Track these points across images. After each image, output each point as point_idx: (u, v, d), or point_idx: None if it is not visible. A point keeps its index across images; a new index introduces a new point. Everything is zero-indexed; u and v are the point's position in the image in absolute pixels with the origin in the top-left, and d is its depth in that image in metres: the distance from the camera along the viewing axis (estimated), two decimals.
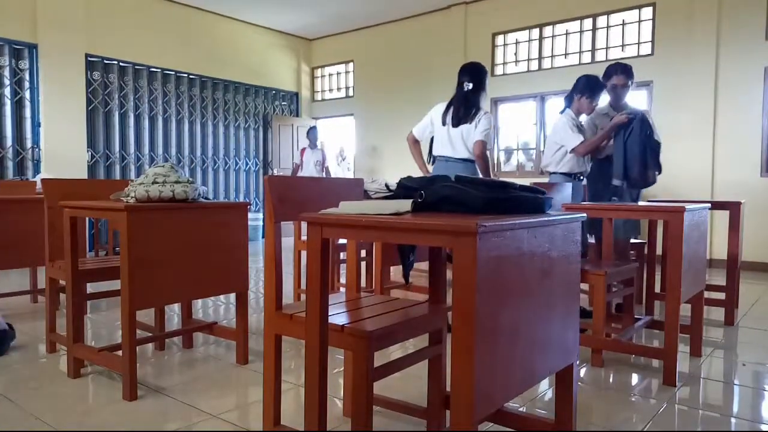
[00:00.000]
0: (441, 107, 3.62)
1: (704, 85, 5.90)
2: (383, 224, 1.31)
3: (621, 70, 3.59)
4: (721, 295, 3.56)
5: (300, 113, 9.37)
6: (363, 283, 3.72)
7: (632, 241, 3.70)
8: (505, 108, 7.57)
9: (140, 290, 2.14)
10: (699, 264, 2.67)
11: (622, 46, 6.52)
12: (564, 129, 3.56)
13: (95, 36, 6.71)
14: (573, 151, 3.52)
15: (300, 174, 7.69)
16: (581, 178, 3.66)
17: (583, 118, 3.69)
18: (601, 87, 3.62)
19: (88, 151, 6.69)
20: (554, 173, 3.65)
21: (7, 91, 6.07)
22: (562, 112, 3.69)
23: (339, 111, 9.31)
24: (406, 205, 1.38)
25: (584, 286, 3.16)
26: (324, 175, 7.71)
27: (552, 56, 7.06)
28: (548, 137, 3.80)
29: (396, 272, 3.80)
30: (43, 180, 2.76)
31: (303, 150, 7.94)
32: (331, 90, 9.48)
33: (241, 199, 8.40)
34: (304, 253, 3.70)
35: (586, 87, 3.59)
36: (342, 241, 3.63)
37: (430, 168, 3.79)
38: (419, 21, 8.10)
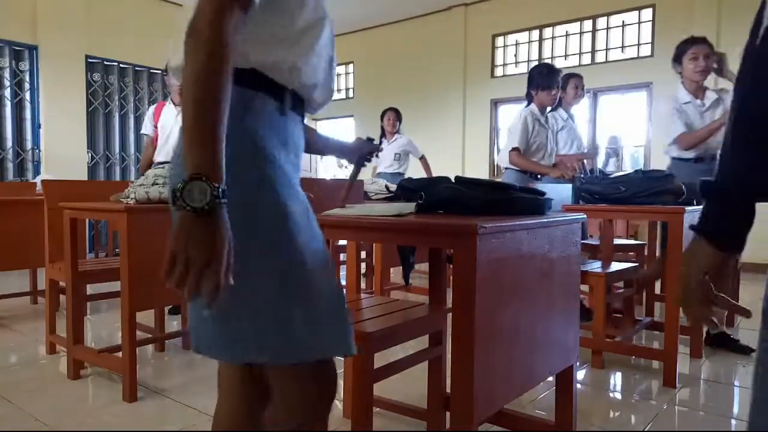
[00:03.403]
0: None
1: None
2: (383, 225, 1.31)
3: (700, 40, 3.00)
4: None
5: None
6: (363, 285, 3.72)
7: (632, 242, 3.69)
8: (505, 109, 7.56)
9: (140, 291, 2.14)
10: None
11: (622, 47, 6.52)
12: (515, 128, 3.28)
13: (95, 37, 6.70)
14: (512, 151, 3.25)
15: (158, 148, 3.75)
16: (539, 177, 3.34)
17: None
18: (555, 73, 3.30)
19: (88, 152, 6.69)
20: (508, 169, 3.34)
21: (8, 92, 6.07)
22: (527, 106, 3.39)
23: (339, 112, 9.30)
24: (409, 207, 1.38)
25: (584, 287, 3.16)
26: None
27: (552, 57, 7.05)
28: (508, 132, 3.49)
29: (396, 273, 3.81)
30: (43, 181, 2.76)
31: (159, 107, 3.88)
32: None
33: None
34: None
35: (538, 78, 3.29)
36: (342, 242, 3.64)
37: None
38: (419, 22, 8.10)
